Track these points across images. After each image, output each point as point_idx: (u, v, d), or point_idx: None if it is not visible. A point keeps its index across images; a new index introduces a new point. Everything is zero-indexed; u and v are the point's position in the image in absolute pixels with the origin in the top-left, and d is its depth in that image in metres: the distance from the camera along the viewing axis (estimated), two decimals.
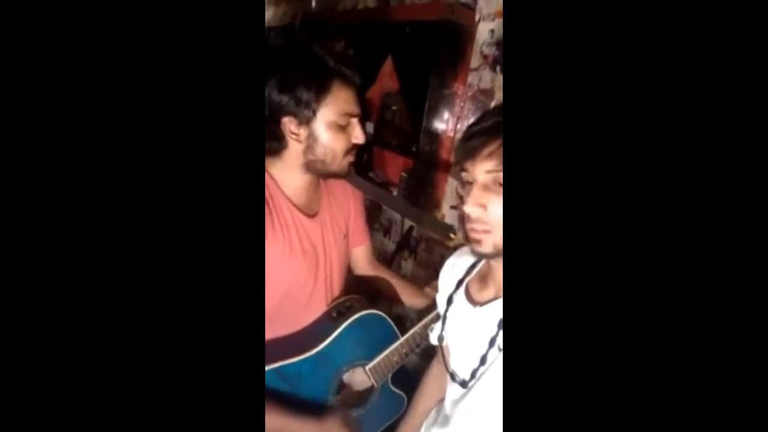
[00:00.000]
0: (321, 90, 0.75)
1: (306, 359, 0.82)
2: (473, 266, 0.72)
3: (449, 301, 0.72)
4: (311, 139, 0.77)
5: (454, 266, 0.75)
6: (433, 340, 0.77)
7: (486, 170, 0.56)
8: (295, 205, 0.83)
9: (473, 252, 0.60)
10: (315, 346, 0.83)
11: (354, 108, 0.79)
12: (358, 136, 0.79)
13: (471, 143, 0.57)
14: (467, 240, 0.61)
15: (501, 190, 0.55)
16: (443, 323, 0.72)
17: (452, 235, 0.86)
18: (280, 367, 0.79)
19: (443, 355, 0.72)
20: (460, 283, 0.71)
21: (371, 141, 1.66)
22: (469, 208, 0.56)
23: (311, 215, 0.86)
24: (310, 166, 0.80)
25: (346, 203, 0.96)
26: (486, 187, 0.56)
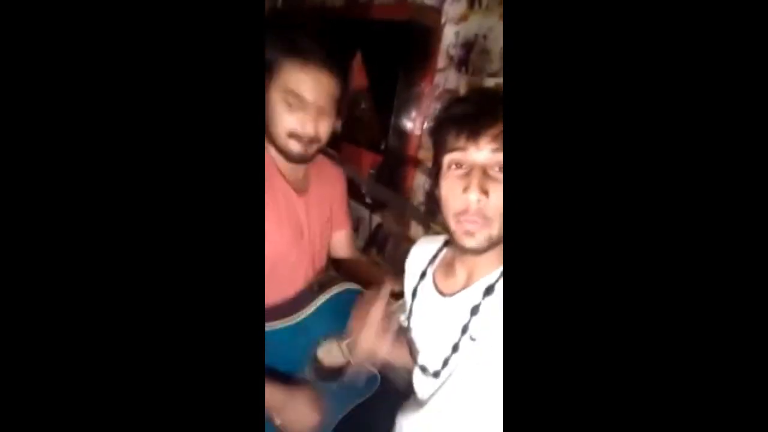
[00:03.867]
0: (279, 57, 0.75)
1: (284, 328, 0.82)
2: (435, 256, 0.70)
3: (414, 294, 0.70)
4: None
5: (416, 257, 0.74)
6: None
7: (489, 156, 0.51)
8: (287, 181, 0.85)
9: (460, 246, 0.55)
10: (296, 315, 0.84)
11: (307, 95, 0.76)
12: (303, 126, 0.77)
13: (473, 123, 0.51)
14: (450, 232, 0.56)
15: (501, 176, 0.51)
16: (409, 316, 0.71)
17: (432, 224, 0.88)
18: None
19: (410, 350, 0.70)
20: (423, 274, 0.70)
21: (339, 137, 1.67)
22: (472, 196, 0.51)
23: (300, 193, 0.87)
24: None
25: (332, 187, 0.98)
26: (487, 173, 0.52)
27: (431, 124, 0.61)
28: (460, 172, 0.53)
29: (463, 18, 1.43)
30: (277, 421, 0.81)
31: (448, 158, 0.54)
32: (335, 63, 0.80)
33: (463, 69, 1.47)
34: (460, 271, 0.62)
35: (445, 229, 0.58)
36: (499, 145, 0.50)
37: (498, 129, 0.50)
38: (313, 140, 0.81)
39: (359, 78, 1.63)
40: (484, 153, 0.51)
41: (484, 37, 1.42)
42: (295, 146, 0.80)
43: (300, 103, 0.76)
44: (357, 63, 1.62)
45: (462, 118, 0.53)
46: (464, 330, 0.58)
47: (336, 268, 1.05)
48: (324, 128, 0.81)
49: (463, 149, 0.52)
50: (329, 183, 0.97)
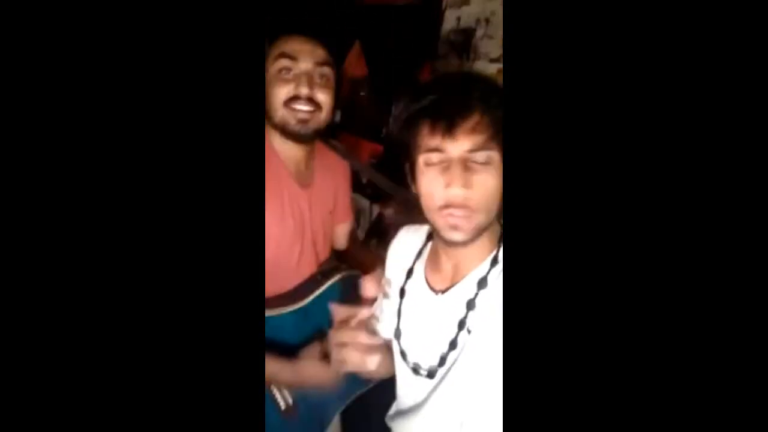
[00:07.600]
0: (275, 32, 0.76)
1: (290, 313, 0.84)
2: (420, 251, 0.67)
3: (402, 293, 0.66)
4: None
5: (399, 252, 0.70)
6: (388, 335, 0.71)
7: (467, 149, 0.50)
8: (291, 174, 0.84)
9: (445, 240, 0.54)
10: (299, 302, 0.85)
11: (300, 56, 0.75)
12: (298, 88, 0.75)
13: (447, 119, 0.50)
14: (434, 227, 0.55)
15: (483, 168, 0.50)
16: (398, 317, 0.67)
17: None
18: (265, 317, 0.80)
19: (401, 351, 0.66)
20: (410, 272, 0.67)
21: (338, 126, 1.65)
22: (455, 191, 0.50)
23: (304, 186, 0.87)
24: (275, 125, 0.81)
25: (336, 180, 0.97)
26: (467, 165, 0.50)
27: (400, 119, 0.57)
28: (438, 166, 0.51)
29: (464, 2, 1.40)
30: (282, 406, 0.80)
31: (424, 156, 0.52)
32: (331, 42, 0.79)
33: (464, 55, 1.45)
34: (446, 264, 0.60)
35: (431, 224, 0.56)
36: (477, 136, 0.49)
37: (474, 120, 0.49)
38: (314, 109, 0.77)
39: (358, 65, 1.60)
40: (462, 146, 0.50)
41: (486, 21, 1.40)
42: (292, 116, 0.77)
43: (294, 67, 0.75)
44: (356, 50, 1.60)
45: (432, 111, 0.51)
46: (461, 325, 0.56)
47: (336, 259, 1.05)
48: (324, 98, 0.78)
49: (439, 148, 0.50)
50: (334, 175, 0.96)
